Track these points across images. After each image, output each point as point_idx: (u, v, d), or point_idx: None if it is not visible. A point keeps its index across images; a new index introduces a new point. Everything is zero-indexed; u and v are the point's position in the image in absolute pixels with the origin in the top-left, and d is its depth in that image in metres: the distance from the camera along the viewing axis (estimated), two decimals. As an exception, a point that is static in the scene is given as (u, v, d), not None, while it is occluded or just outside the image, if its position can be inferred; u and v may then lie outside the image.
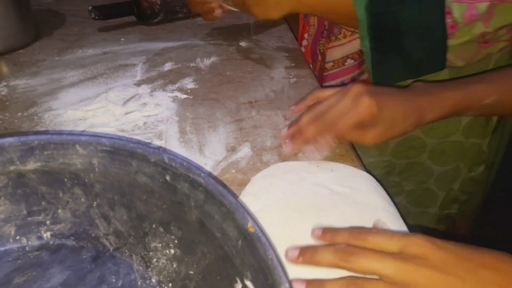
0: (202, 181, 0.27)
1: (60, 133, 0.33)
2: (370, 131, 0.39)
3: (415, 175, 0.66)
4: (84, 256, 0.30)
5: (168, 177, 0.29)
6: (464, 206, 0.69)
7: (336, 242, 0.30)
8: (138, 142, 0.32)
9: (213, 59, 0.62)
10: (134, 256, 0.29)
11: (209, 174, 0.30)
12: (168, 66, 0.60)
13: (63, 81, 0.56)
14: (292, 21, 0.73)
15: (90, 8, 0.67)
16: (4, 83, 0.55)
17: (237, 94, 0.53)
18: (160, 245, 0.29)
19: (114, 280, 0.28)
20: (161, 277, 0.28)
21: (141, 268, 0.29)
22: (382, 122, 0.39)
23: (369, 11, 0.44)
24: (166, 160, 0.29)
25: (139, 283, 0.28)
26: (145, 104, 0.51)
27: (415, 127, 0.41)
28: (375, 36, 0.46)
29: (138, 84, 0.55)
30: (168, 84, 0.55)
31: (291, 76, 0.57)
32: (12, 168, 0.30)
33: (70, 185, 0.31)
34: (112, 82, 0.55)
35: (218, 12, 0.62)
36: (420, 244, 0.28)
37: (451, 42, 0.45)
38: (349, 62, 0.62)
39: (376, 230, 0.31)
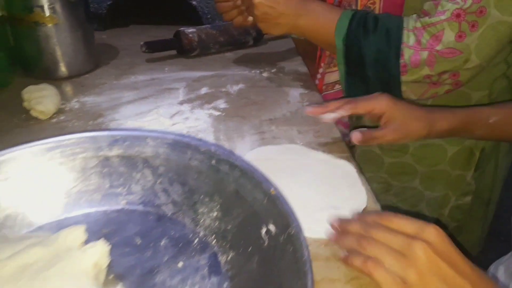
0: (238, 163, 0.37)
1: (136, 130, 0.43)
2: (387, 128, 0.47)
3: (409, 198, 0.72)
4: (150, 218, 0.40)
5: (213, 162, 0.39)
6: (459, 235, 0.72)
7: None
8: (192, 137, 0.42)
9: (240, 85, 0.73)
10: (186, 218, 0.39)
11: (243, 159, 0.39)
12: (204, 90, 0.71)
13: (121, 99, 0.68)
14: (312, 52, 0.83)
15: (142, 43, 0.80)
16: (76, 99, 0.67)
17: (260, 113, 0.64)
18: (206, 210, 0.39)
19: (172, 233, 0.38)
20: (206, 232, 0.38)
21: (191, 226, 0.39)
22: (396, 119, 0.47)
23: (344, 42, 0.55)
24: (212, 150, 0.39)
25: (190, 236, 0.38)
26: (187, 118, 0.62)
27: (427, 131, 0.47)
28: (348, 63, 0.56)
29: (181, 103, 0.66)
30: (205, 104, 0.66)
31: (304, 101, 0.68)
32: (101, 153, 0.41)
33: (142, 167, 0.41)
34: (160, 101, 0.67)
35: (249, 18, 0.68)
36: (433, 233, 0.32)
37: (403, 78, 0.53)
38: (337, 87, 0.73)
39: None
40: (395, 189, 0.72)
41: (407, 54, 0.52)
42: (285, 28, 0.62)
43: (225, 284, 0.33)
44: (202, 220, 0.38)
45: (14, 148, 0.38)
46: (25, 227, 0.37)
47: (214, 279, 0.34)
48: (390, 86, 0.55)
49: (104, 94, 0.69)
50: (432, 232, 0.32)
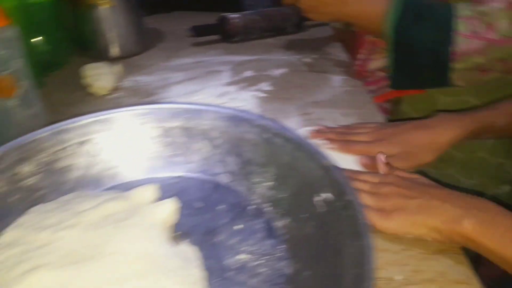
0: (292, 136, 0.40)
1: (195, 104, 0.46)
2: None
3: (445, 186, 0.73)
4: (207, 185, 0.43)
5: (268, 135, 0.41)
6: None
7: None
8: (248, 112, 0.45)
9: (282, 70, 0.75)
10: (242, 187, 0.42)
11: (297, 133, 0.42)
12: (248, 73, 0.74)
13: (170, 80, 0.71)
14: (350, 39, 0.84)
15: (189, 27, 0.83)
16: (128, 79, 0.71)
17: (303, 96, 0.66)
18: (260, 179, 0.41)
19: (229, 200, 0.41)
20: (261, 199, 0.40)
21: (247, 194, 0.41)
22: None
23: (395, 30, 0.56)
24: (267, 124, 0.41)
25: (246, 203, 0.40)
26: (234, 98, 0.64)
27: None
28: (397, 50, 0.57)
29: (227, 85, 0.69)
30: (249, 86, 0.68)
31: (346, 86, 0.69)
32: (164, 124, 0.44)
33: (201, 138, 0.44)
34: (207, 83, 0.70)
35: None
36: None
37: (454, 66, 0.53)
38: (379, 74, 0.74)
39: None
40: (430, 176, 0.72)
41: (460, 42, 0.52)
42: (332, 17, 0.63)
43: (282, 247, 0.36)
44: (257, 189, 0.41)
45: (99, 113, 0.42)
46: (100, 186, 0.41)
47: (270, 242, 0.36)
48: (439, 73, 0.55)
49: (154, 75, 0.73)
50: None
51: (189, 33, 0.84)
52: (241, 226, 0.38)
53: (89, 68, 0.67)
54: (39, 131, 0.39)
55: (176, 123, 0.44)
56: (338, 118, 0.59)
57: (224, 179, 0.43)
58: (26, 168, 0.38)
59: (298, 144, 0.39)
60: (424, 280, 0.34)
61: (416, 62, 0.56)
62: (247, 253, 0.35)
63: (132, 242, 0.31)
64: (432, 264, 0.36)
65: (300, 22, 0.92)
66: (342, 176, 0.34)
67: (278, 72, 0.74)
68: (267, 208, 0.39)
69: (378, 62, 0.74)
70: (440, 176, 0.72)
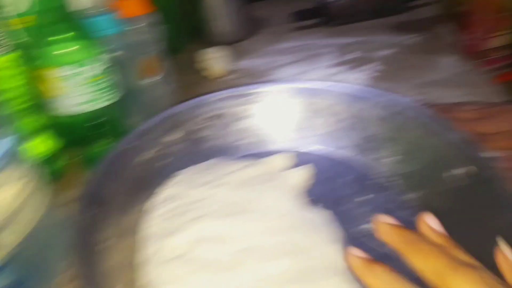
0: (422, 111, 0.39)
1: (319, 81, 0.47)
2: None
3: None
4: (333, 159, 0.43)
5: (397, 109, 0.41)
6: None
7: None
8: (372, 88, 0.45)
9: (390, 50, 0.73)
10: (367, 161, 0.42)
11: (425, 107, 0.41)
12: (355, 55, 0.73)
13: (277, 63, 0.73)
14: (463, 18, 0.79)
15: (291, 12, 0.85)
16: (240, 62, 0.74)
17: (415, 76, 0.63)
18: (387, 153, 0.41)
19: (354, 172, 0.41)
20: (388, 173, 0.40)
21: (373, 168, 0.42)
22: None
23: None
24: (396, 99, 0.41)
25: (373, 176, 0.40)
26: (343, 79, 0.64)
27: None
28: None
29: (335, 66, 0.69)
30: (358, 67, 0.68)
31: (459, 66, 0.65)
32: (290, 100, 0.46)
33: (325, 113, 0.45)
34: (314, 64, 0.71)
35: None
36: None
37: None
38: (502, 52, 0.68)
39: None
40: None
41: None
42: None
43: (413, 218, 0.36)
44: (384, 163, 0.41)
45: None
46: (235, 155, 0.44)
47: (401, 213, 0.36)
48: None
49: (262, 58, 0.76)
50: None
51: (291, 18, 0.85)
52: (370, 196, 0.38)
53: (204, 53, 0.71)
54: (184, 104, 0.43)
55: (300, 99, 0.46)
56: (454, 99, 0.56)
57: (349, 152, 0.43)
58: (171, 137, 0.42)
59: (430, 119, 0.38)
60: None
61: None
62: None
63: (276, 201, 0.34)
64: None
65: (406, 1, 0.89)
66: (480, 149, 0.33)
67: (386, 53, 0.73)
68: (396, 181, 0.39)
69: (499, 40, 0.68)
70: None
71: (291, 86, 0.46)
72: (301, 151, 0.44)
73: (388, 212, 0.37)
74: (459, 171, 0.34)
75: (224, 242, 0.30)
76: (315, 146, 0.45)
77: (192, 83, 0.68)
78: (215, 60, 0.70)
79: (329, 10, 0.86)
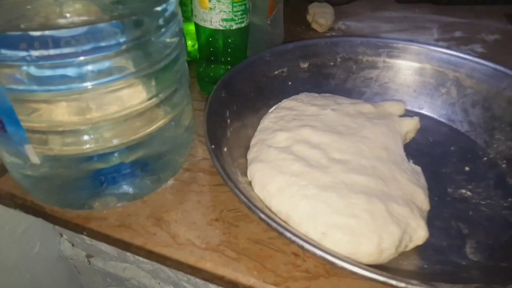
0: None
1: (455, 50, 0.47)
2: None
3: None
4: (443, 128, 0.44)
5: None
6: None
7: None
8: (509, 68, 0.42)
9: (496, 36, 0.71)
10: (479, 139, 0.43)
11: None
12: (458, 33, 0.72)
13: (380, 28, 0.74)
14: None
15: (400, -18, 0.84)
16: (341, 22, 0.76)
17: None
18: (503, 137, 0.41)
19: (463, 145, 0.42)
20: (497, 155, 0.41)
21: (483, 146, 0.42)
22: None
23: None
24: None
25: (480, 153, 0.41)
26: (446, 54, 0.65)
27: None
28: None
29: (437, 40, 0.69)
30: (461, 45, 0.68)
31: None
32: (419, 64, 0.46)
33: (450, 84, 0.45)
34: (416, 36, 0.71)
35: None
36: None
37: None
38: None
39: None
40: None
41: None
42: None
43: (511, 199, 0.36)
44: (495, 145, 0.41)
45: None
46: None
47: (501, 192, 0.36)
48: None
49: (364, 22, 0.76)
50: None
51: (397, -12, 0.85)
52: (470, 168, 0.39)
53: (315, 5, 0.73)
54: (318, 39, 0.46)
55: (431, 65, 0.46)
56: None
57: (461, 127, 0.44)
58: (303, 65, 0.46)
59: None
60: None
61: None
62: (471, 192, 0.37)
63: (378, 134, 0.37)
64: None
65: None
66: None
67: (491, 37, 0.71)
68: (503, 164, 0.40)
69: None
70: None
71: (430, 49, 0.46)
72: (414, 114, 0.45)
73: (487, 187, 0.37)
74: None
75: (320, 149, 0.35)
76: (429, 113, 0.46)
77: (298, 33, 0.71)
78: (322, 14, 0.72)
79: (437, -13, 0.84)
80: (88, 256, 0.49)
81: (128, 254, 0.43)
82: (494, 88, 0.42)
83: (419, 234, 0.30)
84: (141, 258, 0.41)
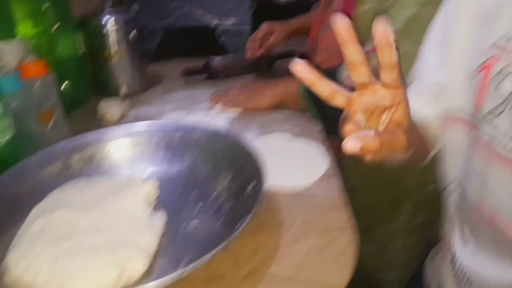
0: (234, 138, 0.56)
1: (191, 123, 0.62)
2: None
3: None
4: (185, 177, 0.59)
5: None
6: None
7: None
8: (225, 128, 0.61)
9: (253, 98, 0.93)
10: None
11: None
12: (226, 101, 0.91)
13: (166, 108, 0.88)
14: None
15: (183, 69, 1.03)
16: (134, 110, 0.89)
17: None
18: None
19: (207, 191, 0.57)
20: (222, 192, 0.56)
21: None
22: None
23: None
24: (225, 132, 0.58)
25: (211, 196, 0.56)
26: (213, 118, 0.82)
27: None
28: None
29: (210, 110, 0.87)
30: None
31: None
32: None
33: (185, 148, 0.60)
34: (194, 108, 0.88)
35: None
36: None
37: None
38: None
39: None
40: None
41: None
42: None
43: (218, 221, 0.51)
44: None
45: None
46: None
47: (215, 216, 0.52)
48: None
49: (154, 106, 0.91)
50: None
51: (182, 73, 1.03)
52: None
53: (104, 102, 0.85)
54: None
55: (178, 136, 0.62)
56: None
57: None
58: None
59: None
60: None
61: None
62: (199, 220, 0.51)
63: (121, 203, 0.48)
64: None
65: (270, 64, 1.11)
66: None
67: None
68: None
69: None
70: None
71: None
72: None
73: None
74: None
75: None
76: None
77: (92, 127, 0.81)
78: (112, 107, 0.84)
79: (211, 68, 1.05)
80: None
81: None
82: (215, 146, 0.59)
83: (137, 268, 0.40)
84: None
